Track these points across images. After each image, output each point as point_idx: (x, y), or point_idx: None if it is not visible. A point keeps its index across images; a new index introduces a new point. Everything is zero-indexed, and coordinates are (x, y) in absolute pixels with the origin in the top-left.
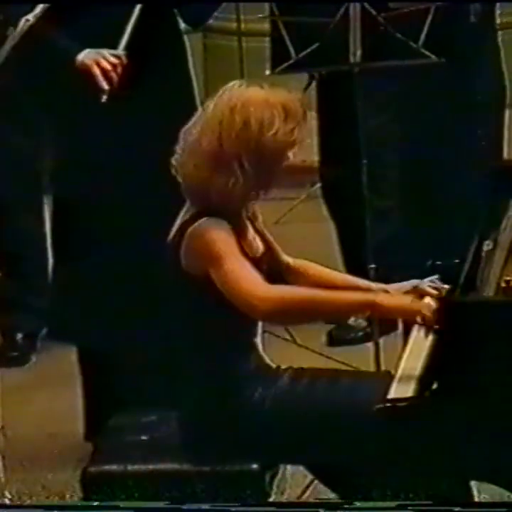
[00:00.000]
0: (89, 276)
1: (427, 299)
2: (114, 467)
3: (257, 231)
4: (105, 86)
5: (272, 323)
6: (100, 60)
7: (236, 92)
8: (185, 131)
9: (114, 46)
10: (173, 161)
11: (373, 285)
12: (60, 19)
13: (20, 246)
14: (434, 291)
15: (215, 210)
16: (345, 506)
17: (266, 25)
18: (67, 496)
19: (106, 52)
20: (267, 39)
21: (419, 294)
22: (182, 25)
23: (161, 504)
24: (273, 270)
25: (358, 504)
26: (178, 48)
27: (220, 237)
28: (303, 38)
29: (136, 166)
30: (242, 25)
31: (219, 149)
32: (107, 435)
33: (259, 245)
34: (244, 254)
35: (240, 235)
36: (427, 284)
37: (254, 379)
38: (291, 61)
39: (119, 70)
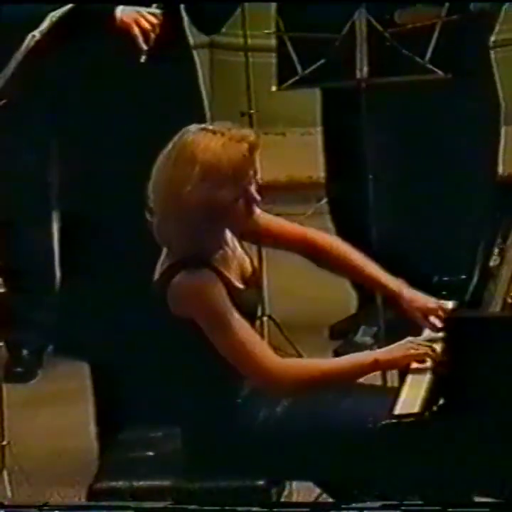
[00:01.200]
0: (96, 291)
1: (427, 332)
2: (120, 483)
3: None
4: (144, 46)
5: (282, 394)
6: (140, 20)
7: (179, 139)
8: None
9: None
10: None
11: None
12: None
13: (27, 261)
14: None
15: (198, 252)
16: (343, 506)
17: (272, 41)
18: None
19: (144, 10)
20: (274, 55)
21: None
22: (191, 40)
23: (161, 504)
24: (261, 291)
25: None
26: (188, 63)
27: (214, 297)
28: (309, 54)
29: (144, 182)
30: (249, 41)
31: (157, 198)
32: (112, 451)
33: (248, 266)
34: (233, 291)
35: (226, 267)
36: (437, 304)
37: (259, 398)
38: (297, 77)
39: (157, 29)
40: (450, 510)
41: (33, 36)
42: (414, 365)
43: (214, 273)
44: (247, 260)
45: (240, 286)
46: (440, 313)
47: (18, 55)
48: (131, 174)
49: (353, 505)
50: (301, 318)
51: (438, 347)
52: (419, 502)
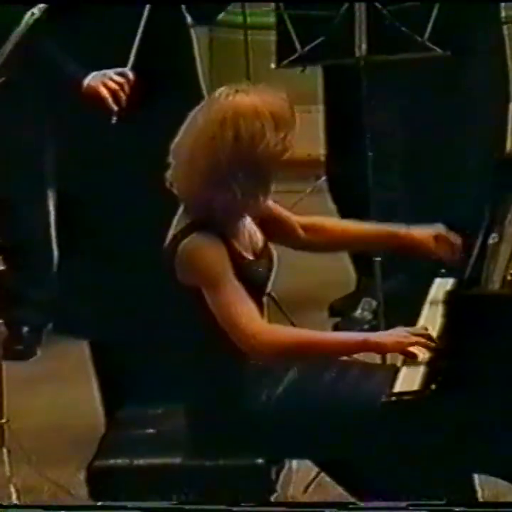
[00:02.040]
0: (94, 268)
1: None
2: (119, 461)
3: (259, 222)
4: (114, 107)
5: (265, 360)
6: (107, 82)
7: (224, 103)
8: (176, 144)
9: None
10: (168, 176)
11: (393, 229)
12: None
13: (25, 239)
14: (456, 240)
15: (211, 219)
16: (350, 506)
17: (272, 19)
18: (73, 490)
19: (111, 72)
20: (273, 32)
21: (441, 241)
22: (189, 19)
23: (166, 504)
24: (272, 263)
25: (361, 504)
26: (185, 41)
27: (214, 259)
28: (309, 32)
29: (140, 159)
30: (248, 19)
31: (215, 166)
32: (112, 429)
33: (259, 240)
34: (241, 261)
35: (236, 238)
36: (446, 231)
37: (262, 375)
38: (296, 54)
39: (127, 88)
40: (476, 510)
41: (32, 14)
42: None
43: (221, 241)
44: (259, 235)
45: (250, 257)
46: (450, 240)
47: (17, 33)
48: (127, 151)
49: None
50: (301, 296)
51: (431, 336)
52: (442, 502)
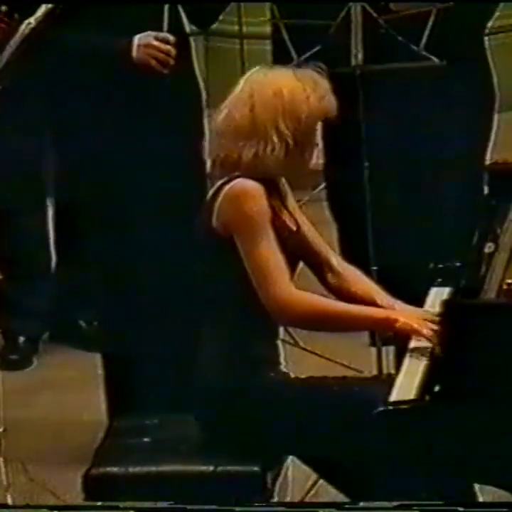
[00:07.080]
0: (92, 277)
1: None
2: (115, 469)
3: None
4: (164, 71)
5: (288, 325)
6: (155, 54)
7: (265, 70)
8: (213, 116)
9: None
10: (204, 144)
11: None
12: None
13: (23, 248)
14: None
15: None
16: (347, 506)
17: (267, 28)
18: (70, 498)
19: (156, 42)
20: (269, 42)
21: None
22: (187, 27)
23: (164, 504)
24: (297, 255)
25: (360, 504)
26: (184, 50)
27: (258, 205)
28: (304, 41)
29: (141, 167)
30: (244, 28)
31: (252, 118)
32: (109, 437)
33: (291, 224)
34: (275, 228)
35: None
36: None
37: (266, 382)
38: (293, 63)
39: (173, 52)
40: (476, 510)
41: (29, 23)
42: (412, 344)
43: (265, 190)
44: (289, 218)
45: (293, 227)
46: (429, 324)
47: (14, 43)
48: (127, 158)
49: (361, 504)
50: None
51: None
52: (439, 502)
